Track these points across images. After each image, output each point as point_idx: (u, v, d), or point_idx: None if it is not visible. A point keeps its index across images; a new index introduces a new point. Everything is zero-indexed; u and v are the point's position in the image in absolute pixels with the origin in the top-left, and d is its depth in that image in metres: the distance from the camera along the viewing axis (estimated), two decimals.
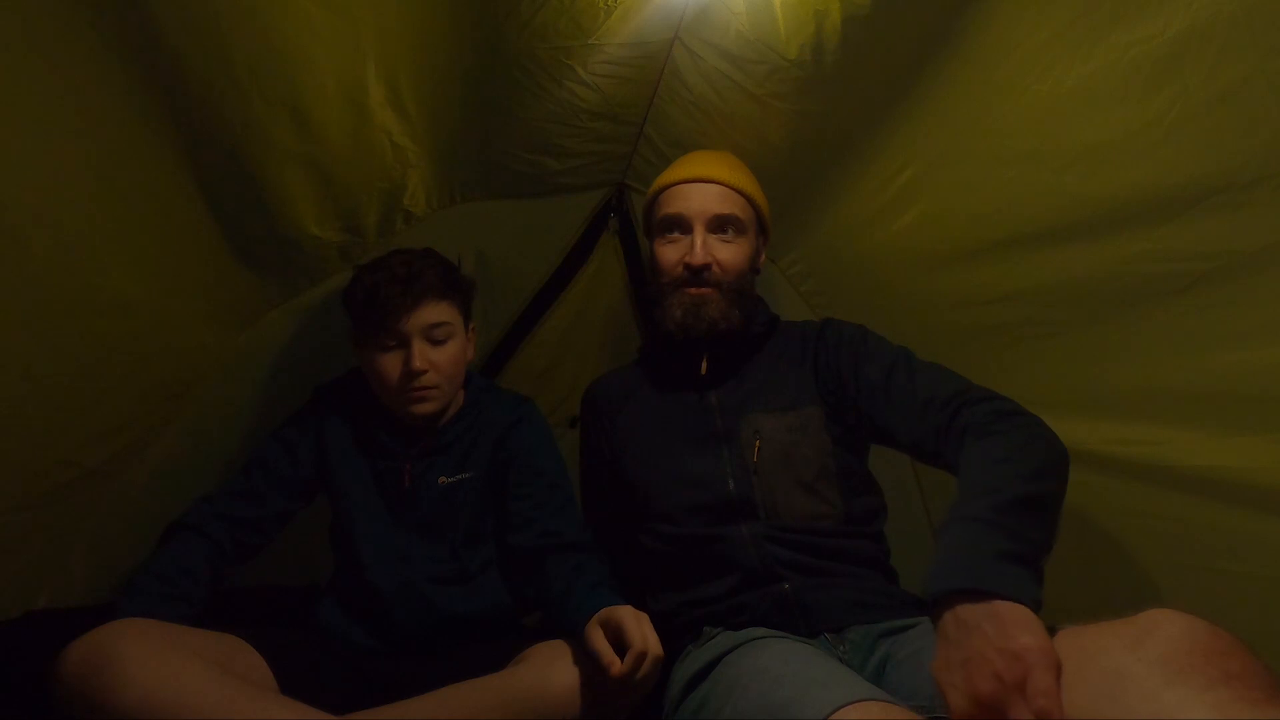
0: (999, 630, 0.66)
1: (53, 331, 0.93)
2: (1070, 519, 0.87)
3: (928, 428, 1.00)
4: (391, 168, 1.21)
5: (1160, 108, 0.84)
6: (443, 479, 1.18)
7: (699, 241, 1.16)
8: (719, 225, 1.18)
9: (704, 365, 1.19)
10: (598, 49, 1.16)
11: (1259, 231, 0.82)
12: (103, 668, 0.79)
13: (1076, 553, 0.81)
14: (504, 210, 1.44)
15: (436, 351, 1.14)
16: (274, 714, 0.83)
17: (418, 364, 1.11)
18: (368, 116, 1.10)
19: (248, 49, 0.93)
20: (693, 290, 1.16)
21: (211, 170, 1.02)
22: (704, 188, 1.19)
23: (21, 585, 1.10)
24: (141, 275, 1.01)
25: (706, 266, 1.15)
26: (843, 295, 1.50)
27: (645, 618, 0.92)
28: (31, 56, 0.79)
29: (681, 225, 1.18)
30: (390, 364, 1.12)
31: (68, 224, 0.89)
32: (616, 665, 0.87)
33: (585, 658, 0.92)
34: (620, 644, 0.89)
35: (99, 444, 1.10)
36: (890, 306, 1.34)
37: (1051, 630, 0.68)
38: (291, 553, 1.27)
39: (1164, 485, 1.00)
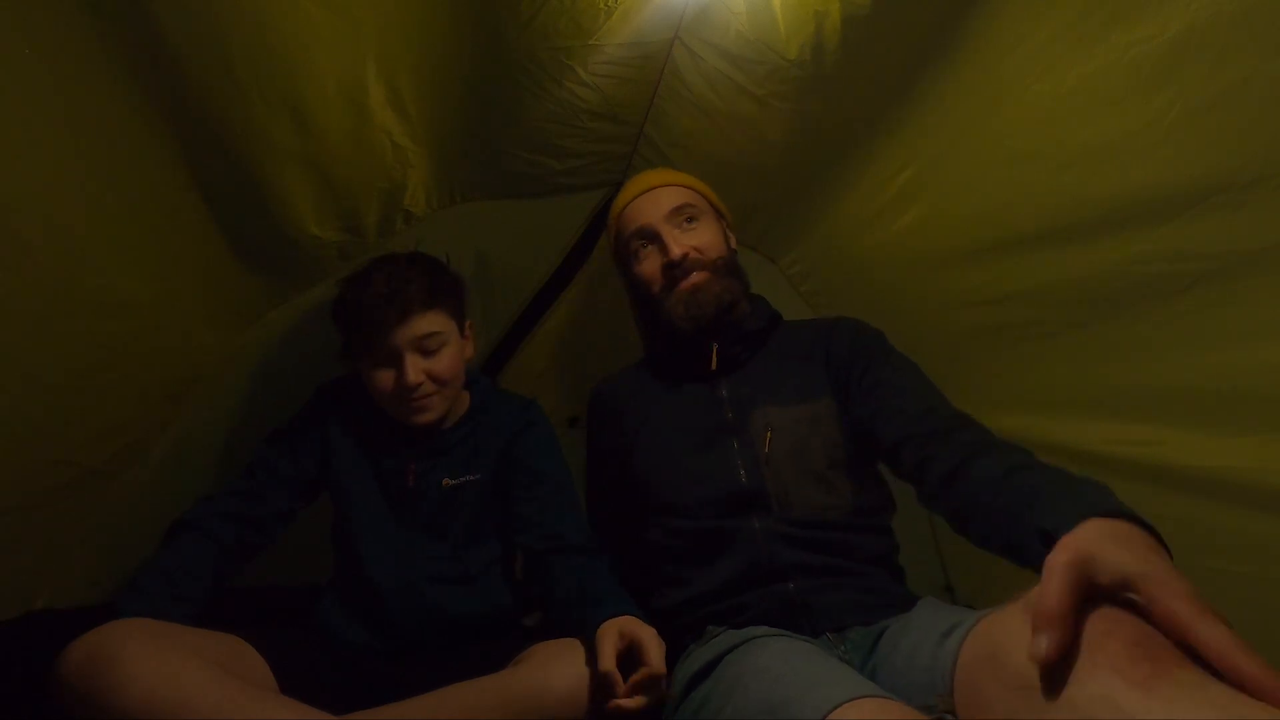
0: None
1: (53, 332, 0.93)
2: None
3: (922, 430, 0.99)
4: (391, 168, 1.21)
5: (1160, 108, 0.84)
6: (446, 481, 1.18)
7: (670, 238, 1.19)
8: (679, 217, 1.21)
9: (714, 358, 1.19)
10: (598, 49, 1.16)
11: (1259, 231, 0.82)
12: (103, 668, 0.79)
13: None
14: (504, 210, 1.44)
15: (431, 361, 1.13)
16: (274, 714, 0.82)
17: (411, 378, 1.10)
18: (368, 116, 1.10)
19: (248, 49, 0.93)
20: (685, 284, 1.18)
21: (211, 170, 1.02)
22: (653, 194, 1.24)
23: (21, 585, 1.10)
24: (141, 275, 1.01)
25: (685, 255, 1.18)
26: (843, 295, 1.50)
27: (659, 639, 0.92)
28: (32, 58, 0.79)
29: (647, 235, 1.22)
30: (385, 379, 1.12)
31: (68, 225, 0.89)
32: (621, 687, 0.87)
33: (587, 658, 0.92)
34: (632, 658, 0.89)
35: (99, 444, 1.10)
36: (890, 306, 1.34)
37: None
38: (291, 553, 1.27)
39: (1164, 485, 1.00)
